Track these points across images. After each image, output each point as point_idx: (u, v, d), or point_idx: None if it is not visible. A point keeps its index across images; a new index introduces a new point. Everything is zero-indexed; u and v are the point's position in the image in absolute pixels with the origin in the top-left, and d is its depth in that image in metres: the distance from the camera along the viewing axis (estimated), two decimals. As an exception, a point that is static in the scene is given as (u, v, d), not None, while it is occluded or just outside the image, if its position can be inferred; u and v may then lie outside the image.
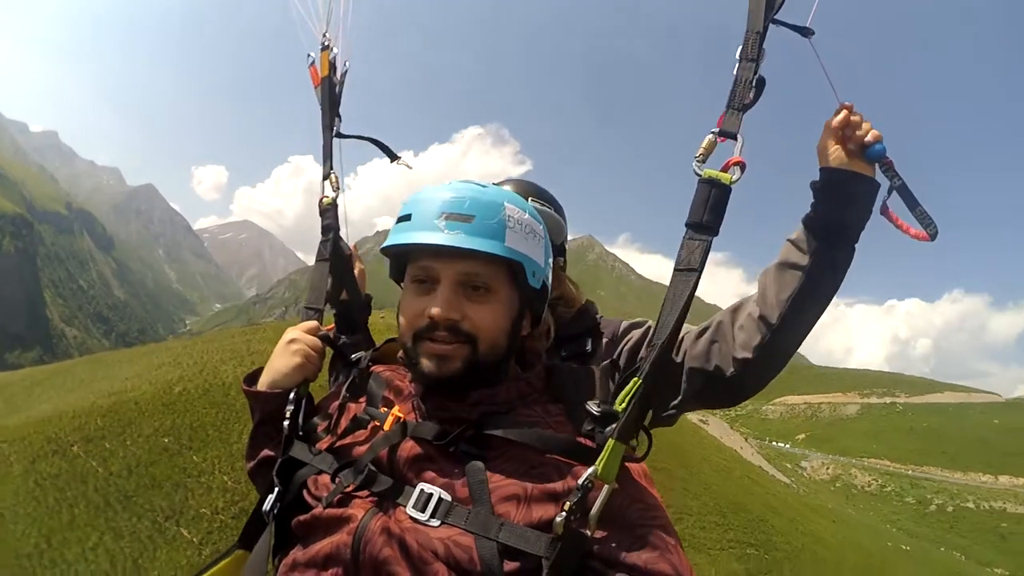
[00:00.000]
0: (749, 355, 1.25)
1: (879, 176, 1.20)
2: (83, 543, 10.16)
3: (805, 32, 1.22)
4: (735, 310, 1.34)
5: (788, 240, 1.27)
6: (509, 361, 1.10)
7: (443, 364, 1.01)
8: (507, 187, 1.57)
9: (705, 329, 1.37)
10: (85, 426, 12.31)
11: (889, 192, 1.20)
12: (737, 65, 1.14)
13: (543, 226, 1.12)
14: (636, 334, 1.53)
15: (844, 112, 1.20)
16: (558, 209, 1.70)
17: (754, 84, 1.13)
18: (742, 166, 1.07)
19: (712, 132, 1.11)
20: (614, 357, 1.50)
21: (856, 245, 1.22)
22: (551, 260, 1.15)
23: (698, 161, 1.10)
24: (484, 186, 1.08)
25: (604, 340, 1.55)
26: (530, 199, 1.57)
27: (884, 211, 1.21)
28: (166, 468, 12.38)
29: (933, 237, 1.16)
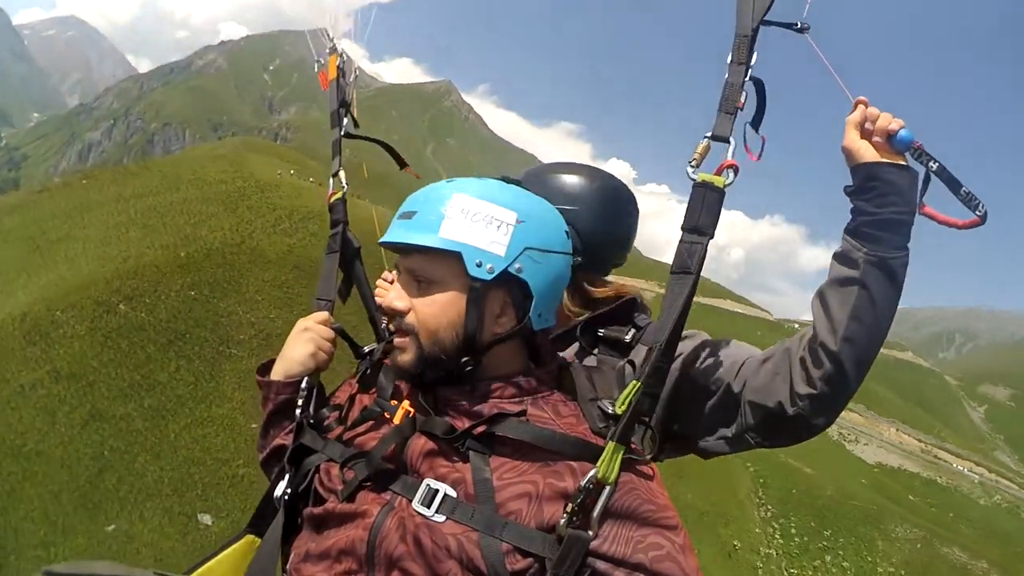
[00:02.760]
0: (813, 390, 1.13)
1: (913, 164, 1.14)
2: (166, 369, 13.96)
3: (800, 29, 1.20)
4: (801, 338, 1.20)
5: (833, 257, 1.18)
6: (478, 356, 1.03)
7: (397, 356, 1.05)
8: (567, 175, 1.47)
9: (769, 357, 1.23)
10: (121, 289, 15.13)
11: (926, 179, 1.14)
12: (728, 70, 1.14)
13: (536, 211, 1.03)
14: (686, 346, 1.35)
15: (860, 107, 1.16)
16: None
17: (746, 86, 1.13)
18: (735, 169, 1.07)
19: (705, 136, 1.12)
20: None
21: (909, 246, 1.12)
22: (527, 250, 1.00)
23: (692, 166, 1.10)
24: (451, 181, 1.07)
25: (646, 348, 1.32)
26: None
27: (922, 209, 1.15)
28: (202, 312, 15.93)
29: (983, 220, 1.10)
